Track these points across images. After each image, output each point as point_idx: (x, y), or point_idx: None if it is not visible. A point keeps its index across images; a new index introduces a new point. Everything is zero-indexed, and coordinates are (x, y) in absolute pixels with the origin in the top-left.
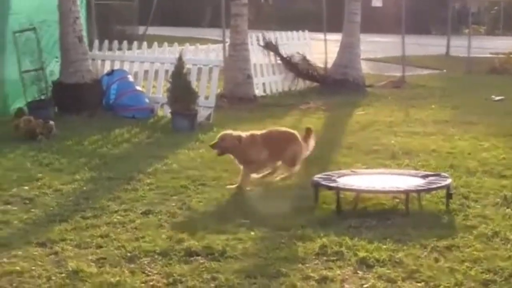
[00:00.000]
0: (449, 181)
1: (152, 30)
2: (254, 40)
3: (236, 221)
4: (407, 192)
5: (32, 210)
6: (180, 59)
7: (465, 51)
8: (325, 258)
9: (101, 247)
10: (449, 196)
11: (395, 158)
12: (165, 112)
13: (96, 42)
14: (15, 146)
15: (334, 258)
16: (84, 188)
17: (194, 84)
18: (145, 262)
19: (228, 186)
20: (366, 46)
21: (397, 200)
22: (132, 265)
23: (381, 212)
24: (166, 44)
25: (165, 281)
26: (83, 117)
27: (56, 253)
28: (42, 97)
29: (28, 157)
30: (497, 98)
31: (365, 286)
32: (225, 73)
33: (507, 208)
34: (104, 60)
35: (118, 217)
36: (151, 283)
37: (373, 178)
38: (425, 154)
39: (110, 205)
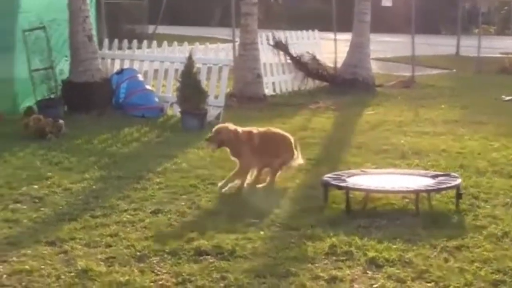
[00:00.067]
0: (459, 181)
1: (162, 29)
2: (264, 39)
3: (245, 220)
4: (417, 192)
5: (42, 209)
6: (190, 58)
7: (475, 51)
8: (334, 258)
9: (110, 246)
10: (459, 196)
11: (405, 158)
12: (175, 111)
13: (106, 41)
14: (25, 145)
15: (344, 258)
16: (94, 187)
17: (204, 83)
18: (155, 261)
19: (230, 185)
20: (376, 45)
21: (407, 200)
22: (142, 264)
23: (390, 212)
24: (176, 43)
25: (174, 280)
26: (93, 116)
27: (65, 252)
28: (52, 96)
29: (38, 156)
30: (507, 98)
31: (374, 286)
32: (235, 72)
33: None
34: (113, 59)
35: (128, 216)
36: (161, 282)
37: (382, 178)
38: (435, 154)
39: (120, 204)
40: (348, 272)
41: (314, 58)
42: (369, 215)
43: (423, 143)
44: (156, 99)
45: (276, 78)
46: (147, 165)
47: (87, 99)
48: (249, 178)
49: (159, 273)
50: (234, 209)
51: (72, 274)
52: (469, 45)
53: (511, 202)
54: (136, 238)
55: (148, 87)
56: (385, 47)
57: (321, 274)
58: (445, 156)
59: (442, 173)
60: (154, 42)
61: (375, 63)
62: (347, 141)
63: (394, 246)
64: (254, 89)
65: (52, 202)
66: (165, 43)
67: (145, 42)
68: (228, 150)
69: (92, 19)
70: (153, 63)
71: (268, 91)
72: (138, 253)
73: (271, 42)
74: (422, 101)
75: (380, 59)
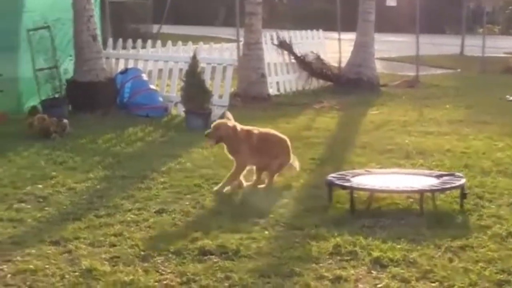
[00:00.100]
0: (463, 181)
1: (166, 29)
2: (268, 39)
3: (250, 220)
4: (421, 192)
5: (46, 208)
6: (194, 57)
7: (479, 51)
8: (339, 257)
9: (114, 245)
10: (463, 196)
11: (409, 158)
12: (179, 111)
13: (110, 41)
14: (29, 144)
15: (348, 257)
16: (98, 186)
17: (208, 83)
18: (159, 261)
19: (226, 189)
20: (380, 45)
21: (411, 200)
22: (146, 264)
23: (395, 211)
24: (180, 42)
25: (178, 280)
26: (97, 116)
27: (69, 251)
28: (56, 96)
29: (42, 156)
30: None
31: (379, 286)
32: (239, 72)
33: None
34: (118, 58)
35: (132, 215)
36: (165, 282)
37: (387, 177)
38: (439, 154)
39: (124, 203)
40: (352, 272)
41: (318, 57)
42: (374, 215)
43: (427, 143)
44: (161, 99)
45: (280, 77)
46: (151, 164)
47: (92, 99)
48: (243, 179)
49: (163, 272)
50: (238, 209)
51: (77, 273)
52: (473, 45)
53: None
54: (140, 237)
55: (152, 86)
56: (389, 46)
57: (326, 274)
58: (449, 156)
59: (446, 173)
60: (159, 42)
61: (379, 63)
62: (351, 141)
63: (399, 246)
64: (258, 89)
65: (56, 202)
66: (169, 42)
67: (149, 42)
68: (225, 146)
69: (96, 18)
70: (157, 63)
71: (272, 90)
72: (143, 253)
73: (275, 42)
74: (427, 101)
75: (385, 58)
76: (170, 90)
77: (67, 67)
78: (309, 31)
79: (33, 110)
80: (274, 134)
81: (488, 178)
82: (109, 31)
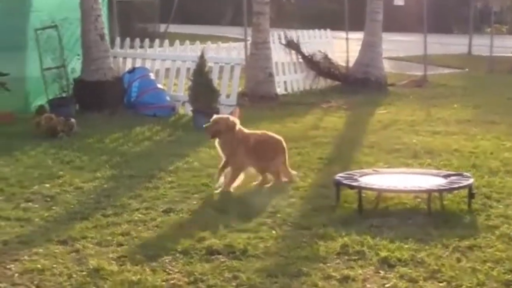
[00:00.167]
0: (471, 180)
1: (173, 28)
2: (276, 38)
3: (257, 219)
4: (429, 192)
5: (53, 207)
6: (201, 57)
7: (487, 50)
8: (346, 257)
9: (122, 245)
10: (471, 196)
11: (417, 158)
12: (186, 110)
13: (118, 40)
14: (36, 143)
15: (356, 257)
16: (105, 186)
17: (215, 82)
18: (166, 260)
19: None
20: (388, 45)
21: (419, 200)
22: (153, 264)
23: (402, 211)
24: (187, 42)
25: (186, 279)
26: (104, 115)
27: (77, 250)
28: (64, 95)
29: (49, 155)
30: None
31: (386, 285)
32: (246, 71)
33: None
34: (125, 58)
35: (139, 215)
36: (172, 281)
37: (395, 177)
38: (447, 154)
39: (131, 203)
40: (360, 271)
41: (326, 57)
42: (381, 215)
43: (435, 142)
44: (168, 98)
45: (288, 77)
46: (158, 164)
47: (99, 98)
48: (240, 181)
49: (170, 272)
50: (245, 209)
51: (84, 273)
52: (481, 44)
53: None
54: (147, 237)
55: (159, 86)
56: (397, 46)
57: (333, 274)
58: (457, 156)
59: (454, 172)
60: (166, 41)
61: (387, 62)
62: (359, 141)
63: (406, 246)
64: (266, 88)
65: (63, 201)
66: (177, 42)
67: (157, 41)
68: (219, 141)
69: (104, 17)
70: (164, 62)
71: (279, 90)
72: (150, 252)
73: (283, 41)
74: (434, 101)
75: (392, 58)
76: (178, 90)
77: (75, 66)
78: (316, 30)
79: (41, 110)
80: (270, 135)
81: (496, 178)
82: (116, 30)
